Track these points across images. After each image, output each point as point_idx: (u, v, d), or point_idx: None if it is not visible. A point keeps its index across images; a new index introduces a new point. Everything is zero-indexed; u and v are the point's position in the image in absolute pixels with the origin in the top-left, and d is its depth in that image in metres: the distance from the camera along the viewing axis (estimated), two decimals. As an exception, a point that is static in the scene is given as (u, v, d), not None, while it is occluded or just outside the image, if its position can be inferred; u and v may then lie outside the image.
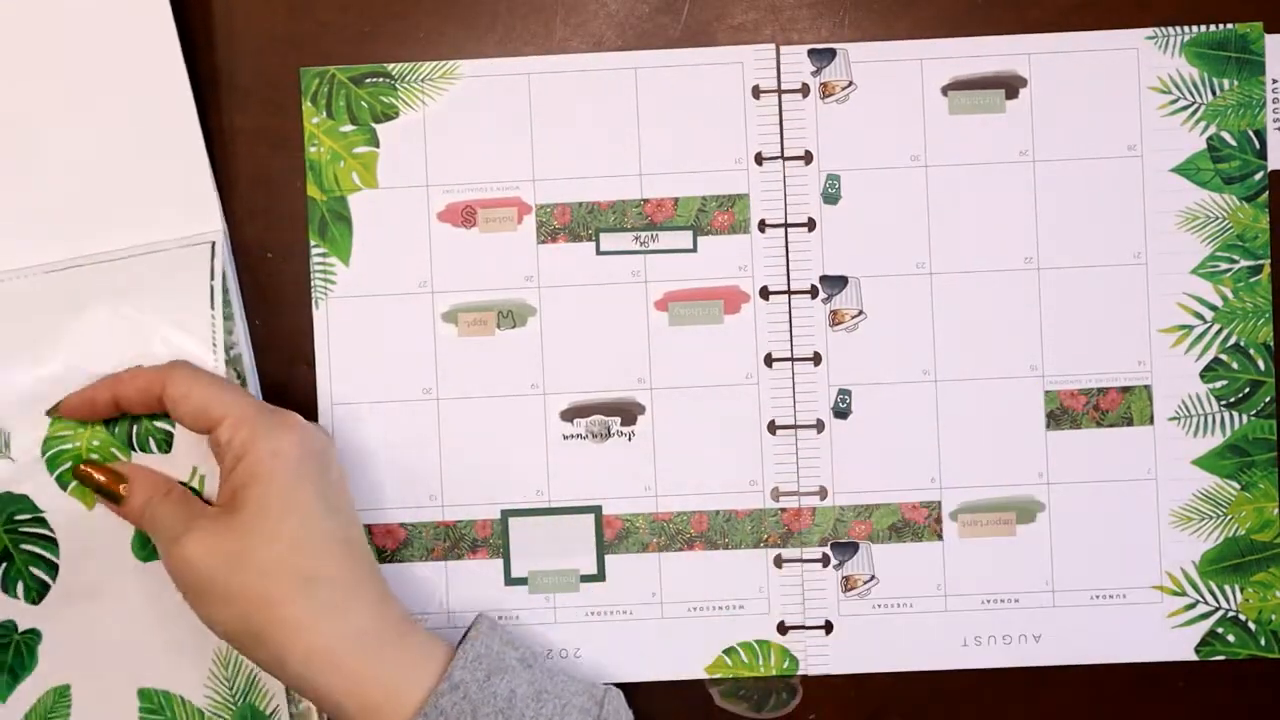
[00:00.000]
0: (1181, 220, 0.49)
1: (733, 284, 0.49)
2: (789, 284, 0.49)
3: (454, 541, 0.49)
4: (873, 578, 0.50)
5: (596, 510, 0.49)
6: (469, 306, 0.49)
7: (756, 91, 0.49)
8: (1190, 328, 0.49)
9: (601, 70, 0.49)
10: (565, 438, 0.49)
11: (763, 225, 0.49)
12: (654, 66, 0.49)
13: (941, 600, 0.49)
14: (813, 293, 0.50)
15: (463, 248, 0.49)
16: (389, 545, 0.49)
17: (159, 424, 0.48)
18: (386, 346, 0.49)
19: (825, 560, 0.50)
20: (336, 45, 0.50)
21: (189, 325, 0.48)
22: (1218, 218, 0.49)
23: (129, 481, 0.46)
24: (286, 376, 0.50)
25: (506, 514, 0.49)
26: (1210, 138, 0.49)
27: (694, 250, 0.49)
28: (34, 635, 0.48)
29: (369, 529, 0.49)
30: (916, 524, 0.49)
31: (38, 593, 0.48)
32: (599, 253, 0.49)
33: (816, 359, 0.50)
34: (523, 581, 0.49)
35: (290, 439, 0.43)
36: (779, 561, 0.49)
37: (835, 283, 0.49)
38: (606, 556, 0.49)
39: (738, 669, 0.49)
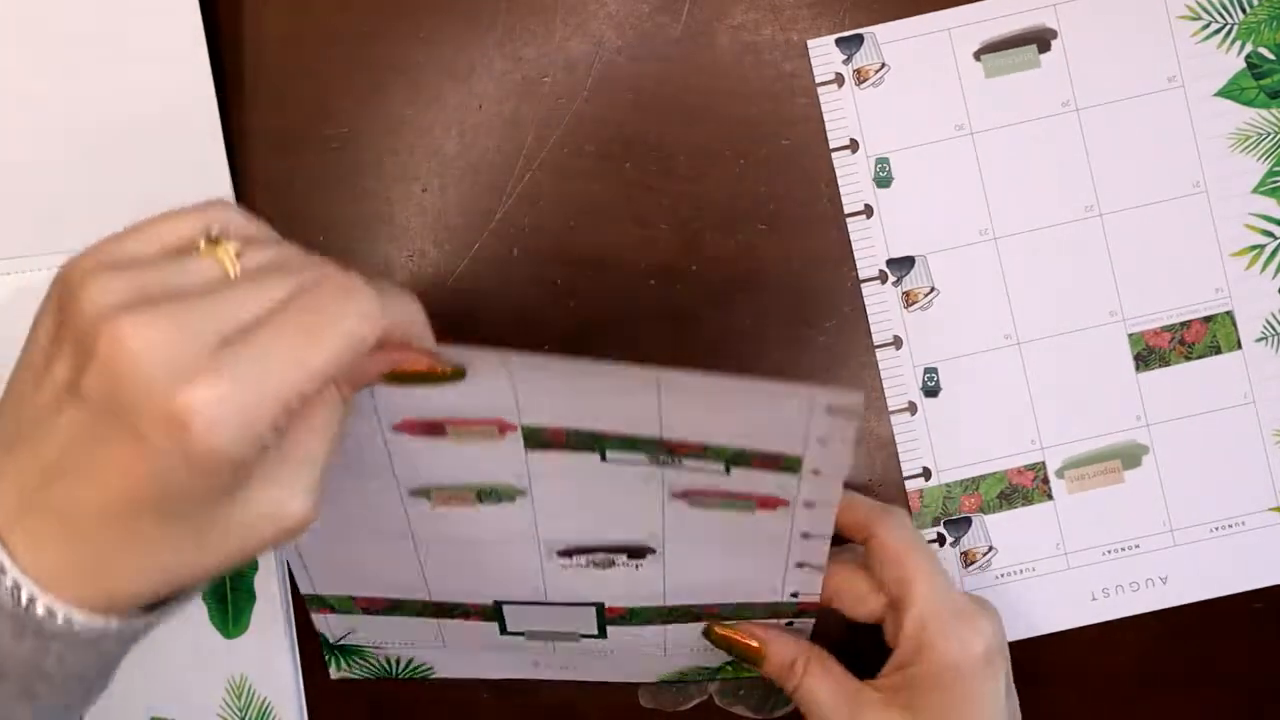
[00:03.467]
0: (1234, 142, 0.49)
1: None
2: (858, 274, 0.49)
3: (446, 611, 0.47)
4: (991, 548, 0.49)
5: (599, 606, 0.47)
6: (444, 486, 0.42)
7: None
8: (1261, 247, 0.49)
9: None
10: (564, 568, 0.45)
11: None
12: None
13: (1063, 559, 0.49)
14: (882, 278, 0.49)
15: (430, 455, 0.41)
16: (375, 607, 0.47)
17: None
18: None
19: (941, 540, 0.49)
20: (336, 45, 0.50)
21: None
22: (1270, 133, 0.49)
23: (764, 644, 0.45)
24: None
25: (500, 603, 0.47)
26: (1248, 55, 0.49)
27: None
28: None
29: (351, 600, 0.47)
30: (1025, 488, 0.49)
31: None
32: (605, 460, 0.41)
33: (898, 343, 0.49)
34: (520, 634, 0.48)
35: (979, 641, 0.42)
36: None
37: (902, 264, 0.49)
38: (609, 627, 0.48)
39: (738, 670, 0.49)
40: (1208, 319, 0.49)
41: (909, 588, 0.43)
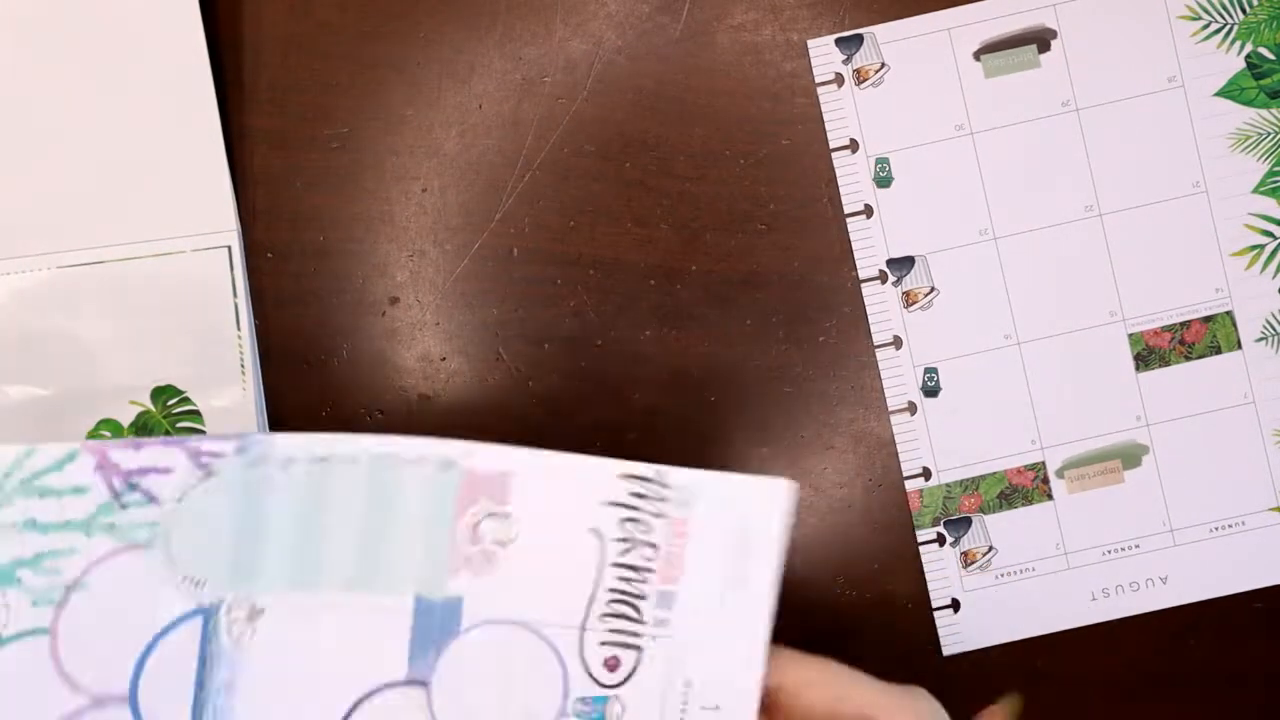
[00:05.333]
0: (1234, 142, 0.49)
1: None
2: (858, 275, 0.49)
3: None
4: (990, 549, 0.49)
5: None
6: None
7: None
8: (1261, 247, 0.49)
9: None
10: None
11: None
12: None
13: (1063, 559, 0.49)
14: (882, 278, 0.49)
15: None
16: None
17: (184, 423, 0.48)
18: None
19: (941, 539, 0.49)
20: (336, 45, 0.50)
21: (211, 349, 0.49)
22: (1270, 133, 0.49)
23: None
24: (286, 376, 0.50)
25: None
26: (1248, 55, 0.49)
27: None
28: None
29: None
30: (1024, 488, 0.49)
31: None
32: None
33: (898, 343, 0.49)
34: None
35: None
36: None
37: (902, 264, 0.49)
38: None
39: None
40: (1208, 319, 0.49)
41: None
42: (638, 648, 0.38)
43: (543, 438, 0.50)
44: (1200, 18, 0.49)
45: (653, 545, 0.38)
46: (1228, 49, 0.49)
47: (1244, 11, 0.49)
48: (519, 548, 0.38)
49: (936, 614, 0.49)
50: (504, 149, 0.50)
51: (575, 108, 0.50)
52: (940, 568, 0.49)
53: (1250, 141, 0.49)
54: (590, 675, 0.38)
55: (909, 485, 0.49)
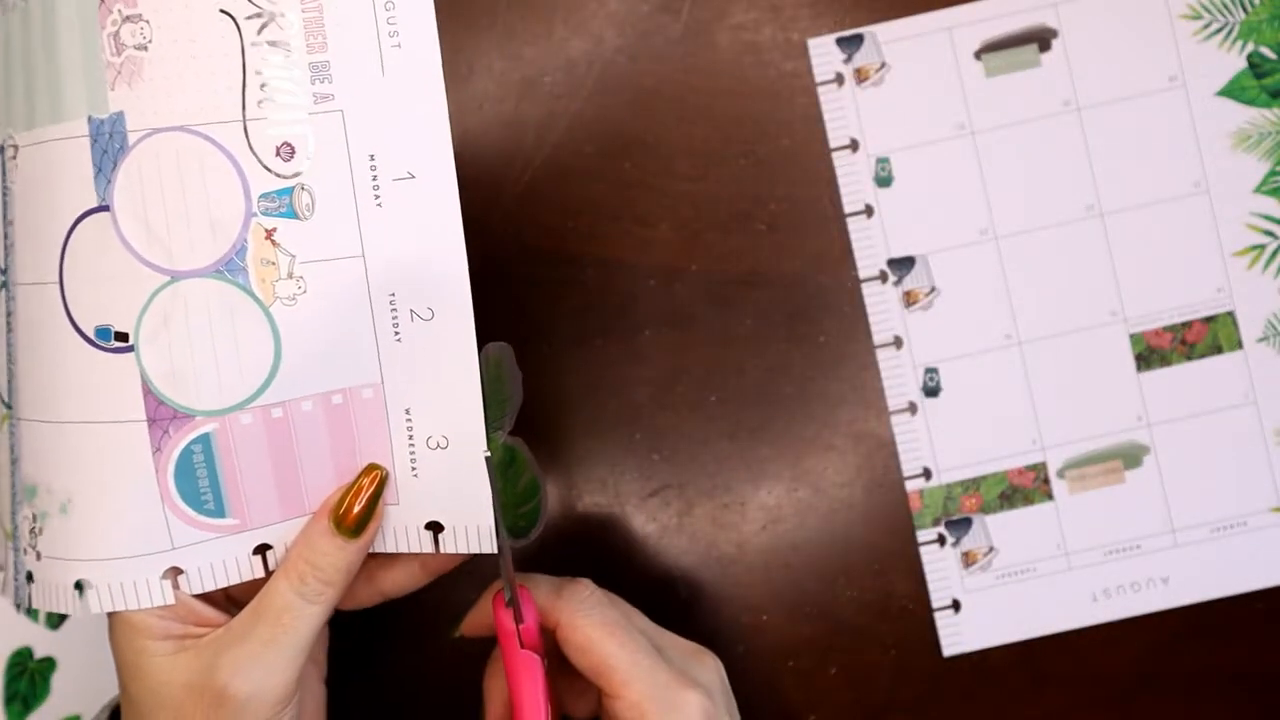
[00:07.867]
0: (1235, 141, 0.49)
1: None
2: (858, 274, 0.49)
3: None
4: (991, 549, 0.49)
5: None
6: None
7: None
8: (1262, 246, 0.49)
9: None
10: None
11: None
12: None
13: (1064, 559, 0.49)
14: (882, 278, 0.49)
15: None
16: None
17: None
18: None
19: (941, 540, 0.49)
20: None
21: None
22: (1271, 133, 0.49)
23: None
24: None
25: None
26: (1250, 55, 0.49)
27: None
28: (49, 664, 0.48)
29: None
30: (1025, 488, 0.49)
31: (60, 616, 0.48)
32: None
33: (898, 343, 0.49)
34: None
35: (694, 714, 0.38)
36: None
37: (903, 264, 0.49)
38: None
39: None
40: (1209, 319, 0.49)
41: (610, 678, 0.39)
42: (306, 130, 0.37)
43: (543, 441, 0.50)
44: (1201, 17, 0.49)
45: (284, 14, 0.37)
46: (1229, 48, 0.49)
47: (1245, 11, 0.49)
48: (159, 46, 0.37)
49: (937, 614, 0.49)
50: (504, 149, 0.50)
51: (575, 108, 0.50)
52: (941, 568, 0.49)
53: (1251, 141, 0.49)
54: (266, 168, 0.37)
55: (909, 485, 0.49)
